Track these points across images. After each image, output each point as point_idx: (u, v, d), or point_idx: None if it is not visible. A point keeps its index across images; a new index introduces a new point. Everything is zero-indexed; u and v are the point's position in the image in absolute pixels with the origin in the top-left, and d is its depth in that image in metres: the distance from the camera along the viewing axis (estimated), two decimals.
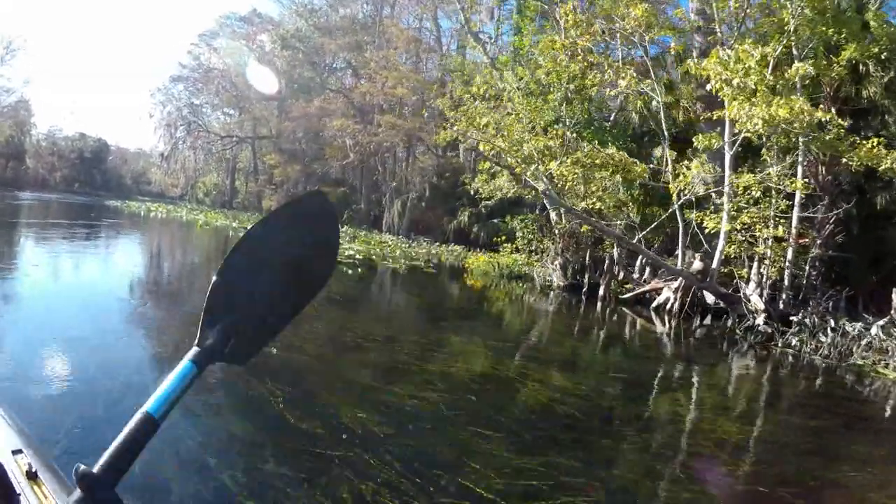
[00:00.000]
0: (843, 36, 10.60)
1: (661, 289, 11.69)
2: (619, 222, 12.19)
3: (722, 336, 10.07)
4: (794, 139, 10.74)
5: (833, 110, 10.18)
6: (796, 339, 9.27)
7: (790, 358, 8.75)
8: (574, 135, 11.93)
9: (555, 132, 11.66)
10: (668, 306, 11.29)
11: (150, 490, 2.79)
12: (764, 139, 10.78)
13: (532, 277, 14.82)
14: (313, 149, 36.37)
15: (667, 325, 10.74)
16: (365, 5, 37.24)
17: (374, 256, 17.31)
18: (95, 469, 0.66)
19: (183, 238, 22.28)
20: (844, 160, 10.30)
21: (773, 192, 10.88)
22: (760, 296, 10.57)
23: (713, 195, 11.37)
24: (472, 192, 16.61)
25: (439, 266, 17.42)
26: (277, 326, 0.90)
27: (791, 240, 10.86)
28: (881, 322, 9.16)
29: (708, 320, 11.15)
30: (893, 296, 9.31)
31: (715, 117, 11.15)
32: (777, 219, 10.96)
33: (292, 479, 3.15)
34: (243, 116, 43.28)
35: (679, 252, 11.52)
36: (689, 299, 11.07)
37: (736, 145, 10.84)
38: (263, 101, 40.36)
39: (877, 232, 12.13)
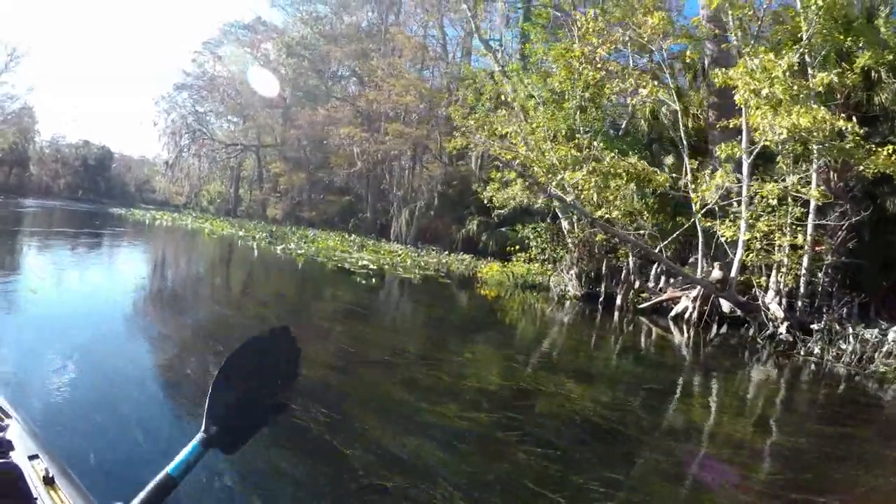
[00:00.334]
0: (859, 44, 10.64)
1: (679, 298, 11.68)
2: (643, 232, 12.18)
3: (742, 344, 10.05)
4: (808, 147, 10.76)
5: (846, 117, 10.23)
6: (818, 346, 9.26)
7: (812, 366, 8.74)
8: (594, 144, 11.91)
9: (576, 141, 11.68)
10: (687, 315, 11.27)
11: None
12: (780, 147, 10.80)
13: (547, 287, 14.80)
14: (318, 157, 36.43)
15: (685, 334, 10.72)
16: (370, 13, 37.40)
17: (385, 266, 17.31)
18: None
19: (192, 248, 22.27)
20: (861, 168, 10.32)
21: (790, 199, 10.89)
22: (779, 304, 10.57)
23: (728, 203, 11.36)
24: (485, 202, 16.58)
25: (449, 275, 17.41)
26: (256, 425, 1.17)
27: (807, 247, 10.86)
28: None
29: (724, 329, 11.14)
30: None
31: (731, 125, 11.19)
32: (793, 226, 10.96)
33: None
34: (248, 124, 43.40)
35: (699, 261, 11.51)
36: (707, 308, 11.06)
37: (754, 154, 10.86)
38: (268, 108, 40.47)
39: (887, 237, 12.14)
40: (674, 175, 12.23)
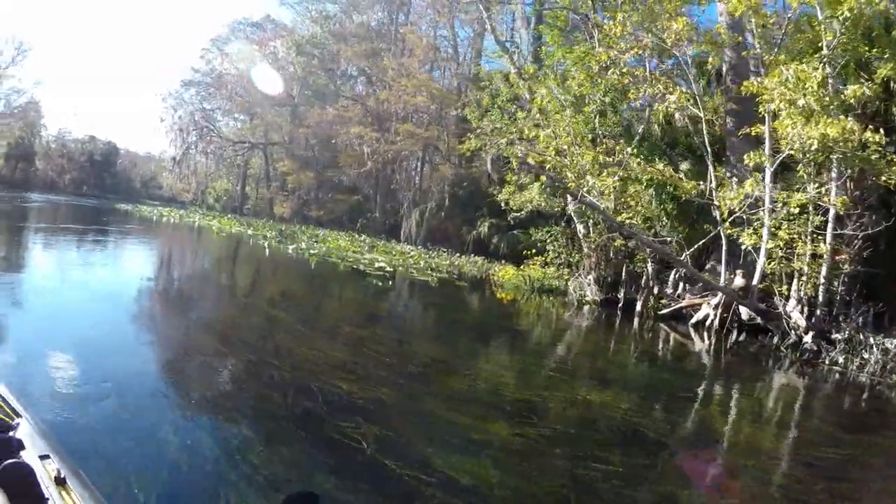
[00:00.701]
0: (884, 55, 10.66)
1: (699, 305, 11.72)
2: (670, 239, 12.21)
3: (764, 353, 10.10)
4: (830, 156, 10.79)
5: (874, 129, 10.26)
6: (843, 356, 9.31)
7: (836, 375, 8.79)
8: (627, 150, 11.92)
9: (604, 145, 11.71)
10: (708, 323, 11.31)
11: None
12: (803, 156, 10.83)
13: (564, 291, 14.83)
14: (326, 156, 36.45)
15: (706, 341, 10.76)
16: (379, 13, 37.40)
17: (399, 268, 17.35)
18: None
19: (205, 247, 22.30)
20: (884, 178, 10.36)
21: (810, 208, 10.92)
22: (801, 312, 10.60)
23: (754, 212, 11.38)
24: (500, 205, 16.59)
25: (462, 277, 17.43)
26: None
27: (827, 255, 10.89)
28: None
29: (742, 337, 11.19)
30: None
31: (754, 133, 11.20)
32: (814, 234, 11.00)
33: None
34: (255, 122, 43.40)
35: (722, 268, 11.54)
36: (728, 316, 11.09)
37: (777, 162, 10.89)
38: (276, 107, 40.48)
39: None
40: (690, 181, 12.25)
